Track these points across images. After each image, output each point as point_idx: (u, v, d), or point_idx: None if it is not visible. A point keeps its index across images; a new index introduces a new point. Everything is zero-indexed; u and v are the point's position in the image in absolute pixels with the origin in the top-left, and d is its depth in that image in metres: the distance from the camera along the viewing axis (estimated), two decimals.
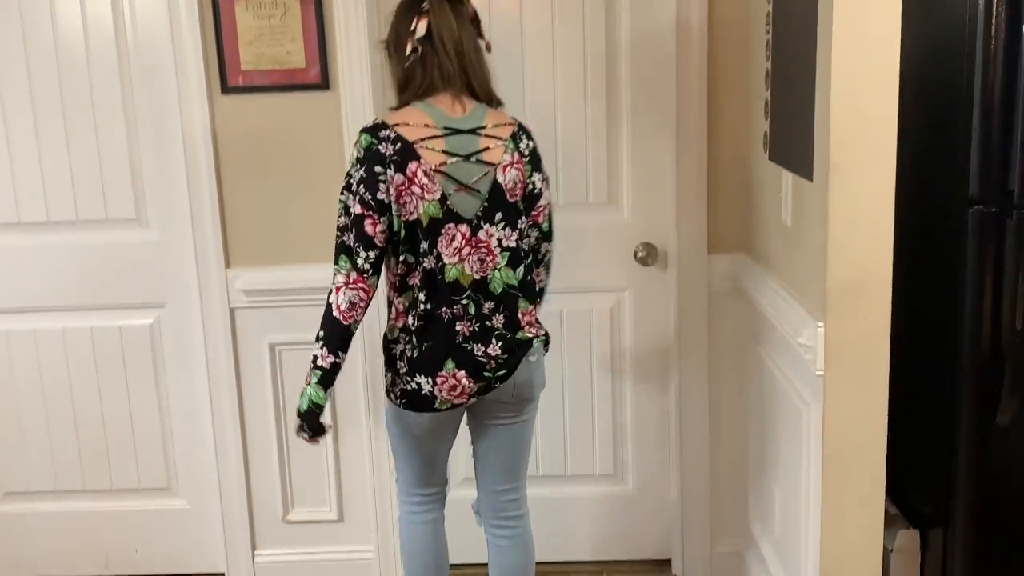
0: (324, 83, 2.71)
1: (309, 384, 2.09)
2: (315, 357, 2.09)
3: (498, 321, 2.14)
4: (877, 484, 2.09)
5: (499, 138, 2.12)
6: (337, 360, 2.09)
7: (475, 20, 2.15)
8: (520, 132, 2.17)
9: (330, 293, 2.09)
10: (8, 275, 2.94)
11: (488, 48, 2.17)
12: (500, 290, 2.13)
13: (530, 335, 2.18)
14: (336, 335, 2.08)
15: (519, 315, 2.17)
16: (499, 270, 2.13)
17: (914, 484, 2.24)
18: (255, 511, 2.99)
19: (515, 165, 2.13)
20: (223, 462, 2.96)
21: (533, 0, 2.72)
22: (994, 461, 2.12)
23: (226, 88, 2.73)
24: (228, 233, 2.82)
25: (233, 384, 2.90)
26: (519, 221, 2.15)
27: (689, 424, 2.87)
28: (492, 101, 2.17)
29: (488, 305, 2.13)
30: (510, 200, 2.13)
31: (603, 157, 2.80)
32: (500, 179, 2.11)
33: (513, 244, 2.14)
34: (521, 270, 2.16)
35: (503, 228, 2.12)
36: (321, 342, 2.09)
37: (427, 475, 2.32)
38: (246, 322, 2.87)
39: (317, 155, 2.74)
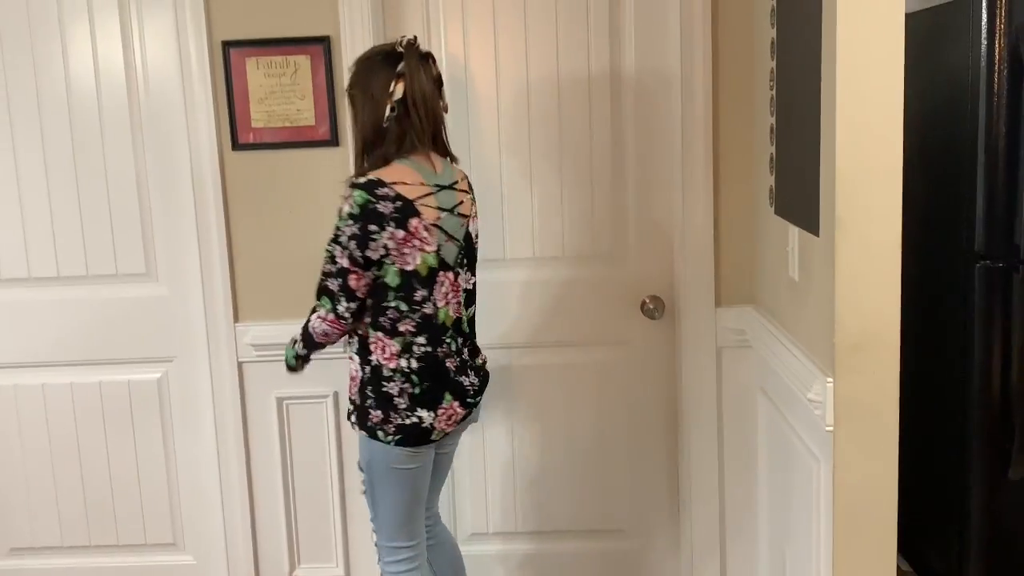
0: (333, 140, 2.74)
1: (291, 347, 2.35)
2: (294, 341, 2.34)
3: (467, 354, 2.35)
4: (889, 540, 2.06)
5: (466, 191, 2.34)
6: (310, 356, 2.35)
7: (439, 81, 2.27)
8: (469, 185, 2.38)
9: (312, 311, 2.25)
10: (18, 329, 2.95)
11: (446, 109, 2.32)
12: (466, 327, 2.35)
13: (483, 362, 2.42)
14: (312, 345, 2.30)
15: (475, 347, 2.40)
16: (465, 309, 2.32)
17: (926, 540, 2.21)
18: (261, 567, 2.96)
19: (475, 216, 2.37)
20: (229, 517, 2.94)
21: (538, 57, 2.75)
22: (1006, 516, 2.10)
23: (237, 145, 2.76)
24: (237, 287, 2.84)
25: (240, 438, 2.89)
26: (475, 265, 2.37)
27: (698, 480, 2.86)
28: (451, 157, 2.33)
29: (460, 340, 2.32)
30: (475, 247, 2.36)
31: (609, 209, 2.82)
32: (470, 229, 2.33)
33: (470, 286, 2.35)
34: (472, 308, 2.38)
35: (467, 272, 2.33)
36: (300, 342, 2.33)
37: (416, 516, 2.36)
38: (254, 376, 2.88)
39: (326, 210, 2.75)
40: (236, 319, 2.85)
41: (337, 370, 2.82)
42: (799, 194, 2.21)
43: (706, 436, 2.83)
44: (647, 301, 2.84)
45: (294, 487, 2.92)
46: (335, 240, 2.17)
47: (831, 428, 2.02)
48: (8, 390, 2.98)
